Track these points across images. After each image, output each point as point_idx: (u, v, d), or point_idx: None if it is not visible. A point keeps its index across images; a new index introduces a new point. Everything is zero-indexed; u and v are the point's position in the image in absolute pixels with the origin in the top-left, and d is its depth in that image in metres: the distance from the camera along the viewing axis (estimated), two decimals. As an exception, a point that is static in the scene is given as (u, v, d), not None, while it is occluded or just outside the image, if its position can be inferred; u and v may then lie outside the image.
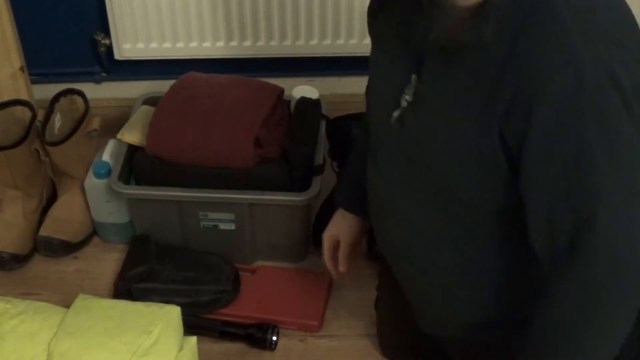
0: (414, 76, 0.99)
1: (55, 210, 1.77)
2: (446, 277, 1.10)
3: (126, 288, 1.60)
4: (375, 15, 1.12)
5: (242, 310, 1.60)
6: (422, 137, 1.00)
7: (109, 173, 1.65)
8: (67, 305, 1.46)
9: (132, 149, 1.70)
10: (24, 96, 1.83)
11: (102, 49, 1.95)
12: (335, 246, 1.40)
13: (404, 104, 1.01)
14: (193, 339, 1.46)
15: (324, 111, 1.78)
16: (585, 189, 0.88)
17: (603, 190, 0.87)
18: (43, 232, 1.73)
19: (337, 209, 1.40)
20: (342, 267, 1.39)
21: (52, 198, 1.82)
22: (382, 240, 1.25)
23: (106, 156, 1.69)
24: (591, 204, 0.88)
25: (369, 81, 1.16)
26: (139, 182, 1.67)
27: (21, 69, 1.83)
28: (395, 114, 1.02)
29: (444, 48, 0.92)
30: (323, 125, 1.75)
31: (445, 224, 1.05)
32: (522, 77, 0.87)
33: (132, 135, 1.70)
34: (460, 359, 1.24)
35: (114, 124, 1.82)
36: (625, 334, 0.95)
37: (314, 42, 1.93)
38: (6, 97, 1.78)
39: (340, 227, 1.38)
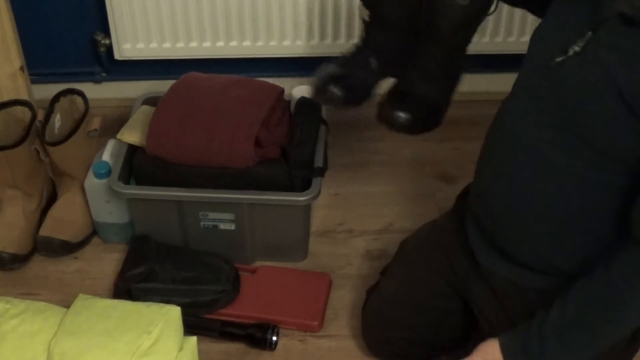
0: (590, 33, 1.11)
1: (55, 210, 1.77)
2: (555, 222, 1.20)
3: (126, 288, 1.60)
4: None
5: (242, 310, 1.61)
6: (576, 84, 1.12)
7: (109, 173, 1.66)
8: (67, 305, 1.46)
9: (132, 149, 1.70)
10: (24, 96, 1.83)
11: (102, 49, 1.95)
12: None
13: (570, 52, 1.13)
14: (193, 339, 1.46)
15: (323, 111, 1.78)
16: None
17: None
18: (43, 232, 1.73)
19: None
20: None
21: (52, 198, 1.82)
22: (491, 183, 1.30)
23: (106, 156, 1.69)
24: None
25: (539, 26, 1.26)
26: (139, 182, 1.67)
27: (21, 69, 1.83)
28: (559, 59, 1.15)
29: (624, 17, 1.06)
30: (323, 126, 1.75)
31: (572, 166, 1.15)
32: None
33: (132, 135, 1.70)
34: (510, 305, 1.31)
35: (114, 124, 1.82)
36: None
37: (313, 42, 1.93)
38: (6, 97, 1.78)
39: None
